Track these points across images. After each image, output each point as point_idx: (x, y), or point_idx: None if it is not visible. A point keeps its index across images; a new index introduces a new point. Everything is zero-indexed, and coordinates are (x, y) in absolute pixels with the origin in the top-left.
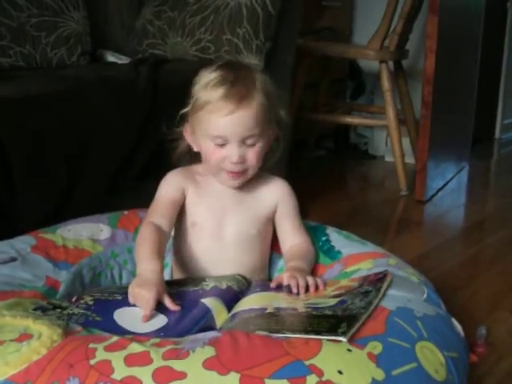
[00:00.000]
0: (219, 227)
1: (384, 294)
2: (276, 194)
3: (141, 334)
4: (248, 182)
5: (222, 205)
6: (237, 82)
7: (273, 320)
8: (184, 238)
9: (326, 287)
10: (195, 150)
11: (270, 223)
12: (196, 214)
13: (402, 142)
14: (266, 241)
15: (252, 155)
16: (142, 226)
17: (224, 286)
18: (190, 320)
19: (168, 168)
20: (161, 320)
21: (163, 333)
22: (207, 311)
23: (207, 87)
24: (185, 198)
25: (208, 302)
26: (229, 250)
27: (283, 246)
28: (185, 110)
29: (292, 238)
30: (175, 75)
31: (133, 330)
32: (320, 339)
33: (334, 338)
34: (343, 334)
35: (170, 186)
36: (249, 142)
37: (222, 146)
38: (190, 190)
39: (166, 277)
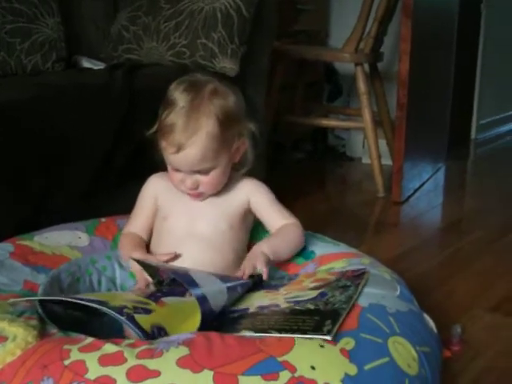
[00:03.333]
0: (190, 222)
1: (361, 291)
2: (245, 189)
3: None
4: None
5: (193, 205)
6: (188, 117)
7: (257, 319)
8: (157, 233)
9: (304, 278)
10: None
11: (246, 219)
12: (167, 209)
13: (379, 144)
14: (240, 239)
15: (206, 182)
16: (122, 236)
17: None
18: None
19: (145, 172)
20: None
21: None
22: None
23: (166, 117)
24: (157, 202)
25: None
26: (200, 245)
27: (268, 229)
28: (151, 131)
29: (275, 221)
30: (150, 80)
31: None
32: (297, 337)
33: (320, 337)
34: (328, 332)
35: (144, 195)
36: (202, 172)
37: (177, 170)
38: (162, 193)
39: None
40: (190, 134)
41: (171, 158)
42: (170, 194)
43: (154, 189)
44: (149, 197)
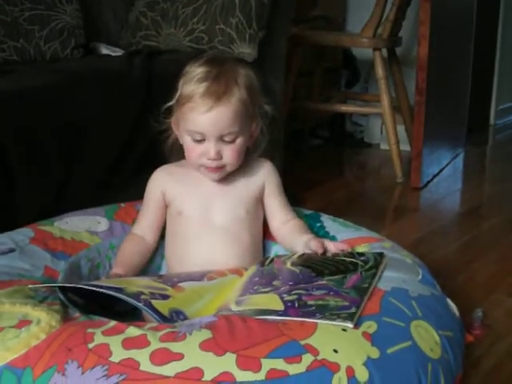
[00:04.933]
0: (206, 213)
1: (380, 276)
2: (261, 173)
3: None
4: None
5: (206, 191)
6: (218, 78)
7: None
8: (172, 228)
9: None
10: (181, 142)
11: (260, 204)
12: (181, 203)
13: (397, 130)
14: (257, 223)
15: (230, 152)
16: (126, 237)
17: None
18: None
19: (164, 160)
20: None
21: None
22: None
23: (189, 83)
24: (166, 197)
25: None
26: (218, 234)
27: (272, 221)
28: (170, 103)
29: (281, 214)
30: (169, 66)
31: None
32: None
33: (341, 324)
34: (351, 318)
35: (150, 191)
36: (227, 138)
37: (200, 141)
38: (170, 187)
39: (163, 269)
40: (222, 94)
41: (199, 119)
42: (179, 186)
43: (161, 184)
44: (155, 193)
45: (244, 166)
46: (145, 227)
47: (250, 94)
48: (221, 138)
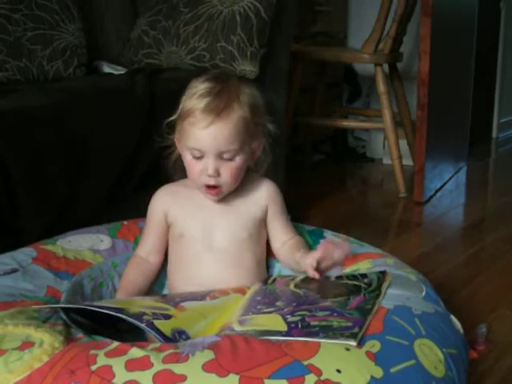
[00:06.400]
0: (208, 235)
1: (384, 294)
2: (265, 194)
3: None
4: None
5: (208, 213)
6: (220, 95)
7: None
8: (174, 249)
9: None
10: (183, 159)
11: (263, 225)
12: (183, 225)
13: (400, 144)
14: (260, 244)
15: (228, 170)
16: (130, 259)
17: None
18: None
19: (167, 178)
20: None
21: None
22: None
23: (191, 98)
24: (168, 219)
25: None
26: (220, 256)
27: (274, 242)
28: (171, 118)
29: (282, 235)
30: (171, 84)
31: None
32: (323, 341)
33: (345, 342)
34: (354, 337)
35: (153, 212)
36: (226, 156)
37: (199, 158)
38: (172, 208)
39: (166, 287)
40: (221, 110)
41: (199, 135)
42: (181, 208)
43: (162, 204)
44: (158, 215)
45: (247, 186)
46: (148, 249)
47: (252, 112)
48: (220, 156)
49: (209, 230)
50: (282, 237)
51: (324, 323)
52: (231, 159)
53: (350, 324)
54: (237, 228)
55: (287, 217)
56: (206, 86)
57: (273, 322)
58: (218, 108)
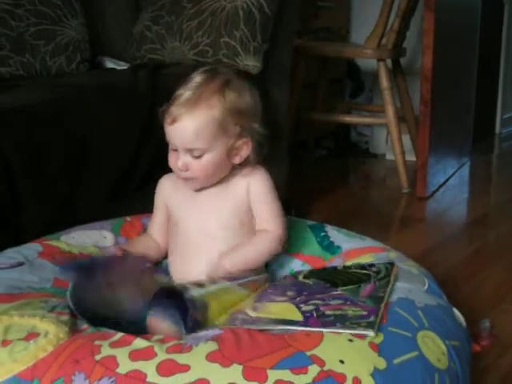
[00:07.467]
0: (201, 224)
1: (394, 285)
2: (247, 179)
3: None
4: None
5: (200, 203)
6: (194, 93)
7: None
8: (171, 237)
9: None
10: None
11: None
12: (178, 214)
13: (403, 140)
14: (253, 231)
15: (196, 167)
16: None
17: None
18: None
19: (170, 171)
20: None
21: None
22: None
23: (177, 91)
24: (168, 207)
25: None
26: (214, 245)
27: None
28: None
29: (260, 222)
30: (174, 80)
31: None
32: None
33: (362, 332)
34: (371, 327)
35: (157, 198)
36: (195, 153)
37: (175, 150)
38: (170, 197)
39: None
40: (190, 107)
41: (167, 129)
42: (176, 196)
43: (162, 192)
44: (159, 201)
45: (235, 174)
46: (155, 228)
47: (229, 111)
48: (189, 151)
49: (201, 219)
50: (258, 224)
51: (339, 312)
52: (199, 157)
53: (364, 313)
54: (228, 216)
55: (272, 205)
56: (186, 86)
57: (286, 310)
58: (185, 106)
